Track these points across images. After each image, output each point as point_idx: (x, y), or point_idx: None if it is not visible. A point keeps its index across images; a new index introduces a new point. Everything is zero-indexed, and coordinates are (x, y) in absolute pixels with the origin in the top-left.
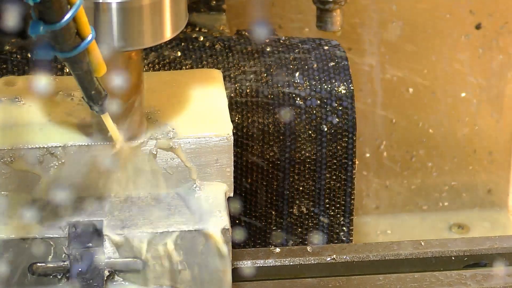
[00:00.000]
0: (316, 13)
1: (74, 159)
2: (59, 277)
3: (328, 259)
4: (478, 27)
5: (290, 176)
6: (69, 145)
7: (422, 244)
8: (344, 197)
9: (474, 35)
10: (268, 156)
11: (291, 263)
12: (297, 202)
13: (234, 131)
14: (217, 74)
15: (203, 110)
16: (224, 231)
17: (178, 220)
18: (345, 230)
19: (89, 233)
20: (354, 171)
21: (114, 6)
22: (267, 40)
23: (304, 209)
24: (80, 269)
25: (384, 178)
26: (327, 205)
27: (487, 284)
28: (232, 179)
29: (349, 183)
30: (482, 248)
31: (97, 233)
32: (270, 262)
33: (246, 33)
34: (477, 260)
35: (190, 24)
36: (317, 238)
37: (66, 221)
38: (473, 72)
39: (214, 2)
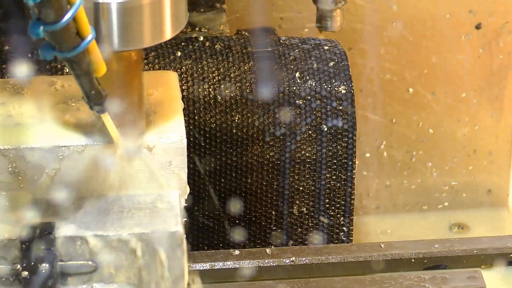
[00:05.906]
0: (316, 13)
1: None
2: (11, 280)
3: (287, 261)
4: (478, 27)
5: (290, 176)
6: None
7: (382, 246)
8: (344, 197)
9: (474, 35)
10: (268, 156)
11: (250, 265)
12: (297, 202)
13: (234, 131)
14: (173, 76)
15: (157, 112)
16: (174, 234)
17: (131, 222)
18: (345, 230)
19: (41, 236)
20: (354, 171)
21: (114, 6)
22: (267, 40)
23: (304, 209)
24: (31, 272)
25: (384, 178)
26: (327, 205)
27: (446, 287)
28: (186, 182)
29: (349, 183)
30: (442, 251)
31: (49, 236)
32: (229, 264)
33: (246, 33)
34: (436, 263)
35: (190, 24)
36: (317, 238)
37: (26, 223)
38: (473, 72)
39: (214, 2)
